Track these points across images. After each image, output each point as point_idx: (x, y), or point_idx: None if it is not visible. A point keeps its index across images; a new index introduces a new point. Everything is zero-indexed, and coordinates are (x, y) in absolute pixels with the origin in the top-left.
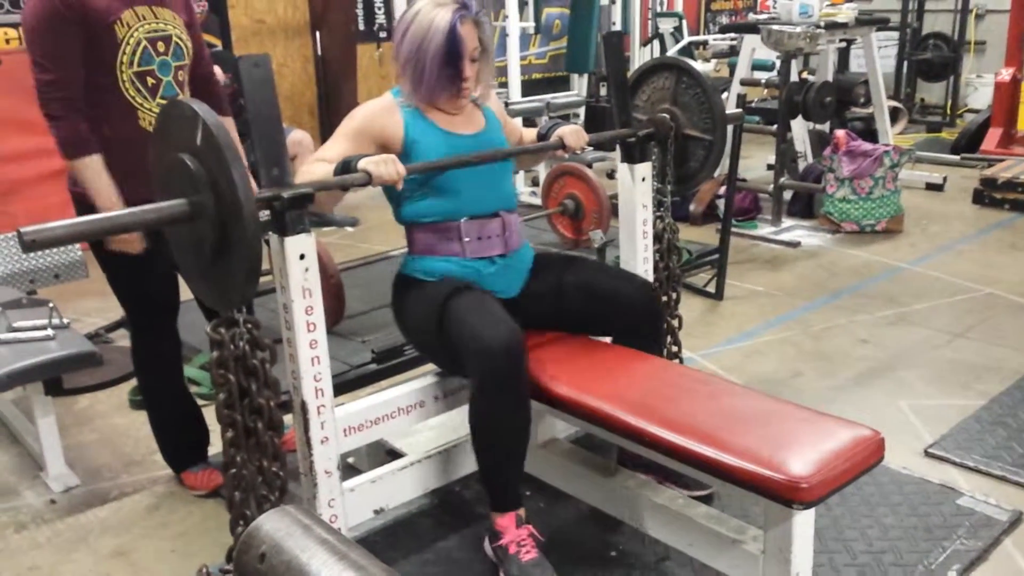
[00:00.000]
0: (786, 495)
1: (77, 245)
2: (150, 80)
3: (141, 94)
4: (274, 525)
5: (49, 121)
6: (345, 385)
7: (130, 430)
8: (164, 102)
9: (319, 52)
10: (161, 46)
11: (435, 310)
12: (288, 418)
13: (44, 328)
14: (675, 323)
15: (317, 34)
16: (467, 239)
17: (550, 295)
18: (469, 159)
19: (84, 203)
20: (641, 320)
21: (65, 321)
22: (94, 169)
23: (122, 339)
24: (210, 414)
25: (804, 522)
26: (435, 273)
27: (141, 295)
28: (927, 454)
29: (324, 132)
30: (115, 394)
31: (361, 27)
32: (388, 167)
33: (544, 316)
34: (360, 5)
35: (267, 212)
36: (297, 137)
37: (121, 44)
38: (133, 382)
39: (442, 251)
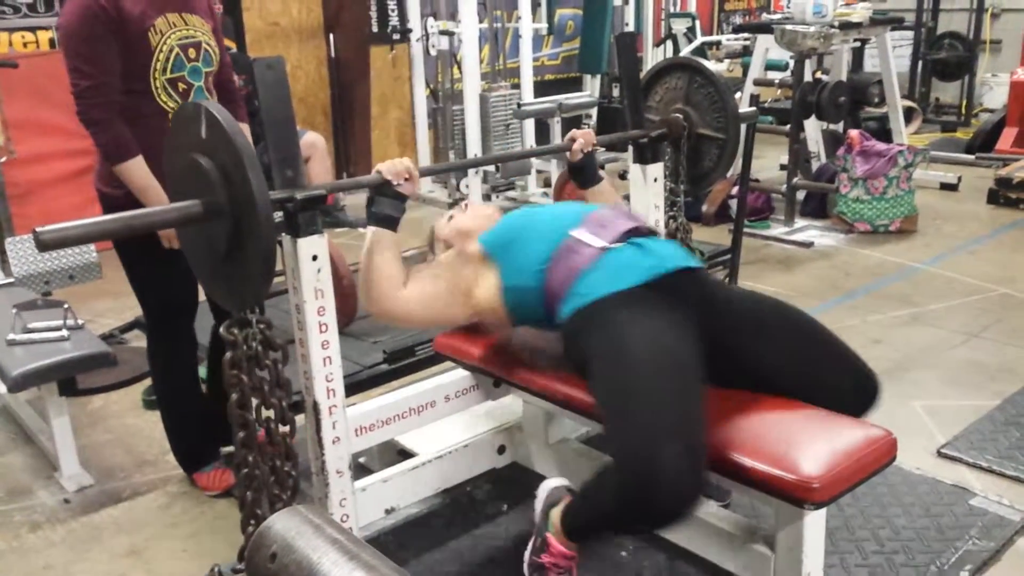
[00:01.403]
0: (797, 495)
1: (92, 246)
2: (181, 86)
3: (173, 99)
4: (285, 525)
5: (90, 127)
6: (357, 385)
7: (143, 430)
8: None
9: (333, 54)
10: (192, 52)
11: (612, 349)
12: (300, 418)
13: (59, 329)
14: None
15: (331, 36)
16: (589, 235)
17: (750, 363)
18: (477, 161)
19: (112, 203)
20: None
21: (80, 322)
22: (139, 170)
23: (136, 339)
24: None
25: (815, 522)
26: (593, 289)
27: (162, 294)
28: (940, 454)
29: (337, 134)
30: (129, 394)
31: (375, 29)
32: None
33: (719, 373)
34: (374, 7)
35: (280, 213)
36: (310, 139)
37: (155, 51)
38: (147, 382)
39: (579, 267)
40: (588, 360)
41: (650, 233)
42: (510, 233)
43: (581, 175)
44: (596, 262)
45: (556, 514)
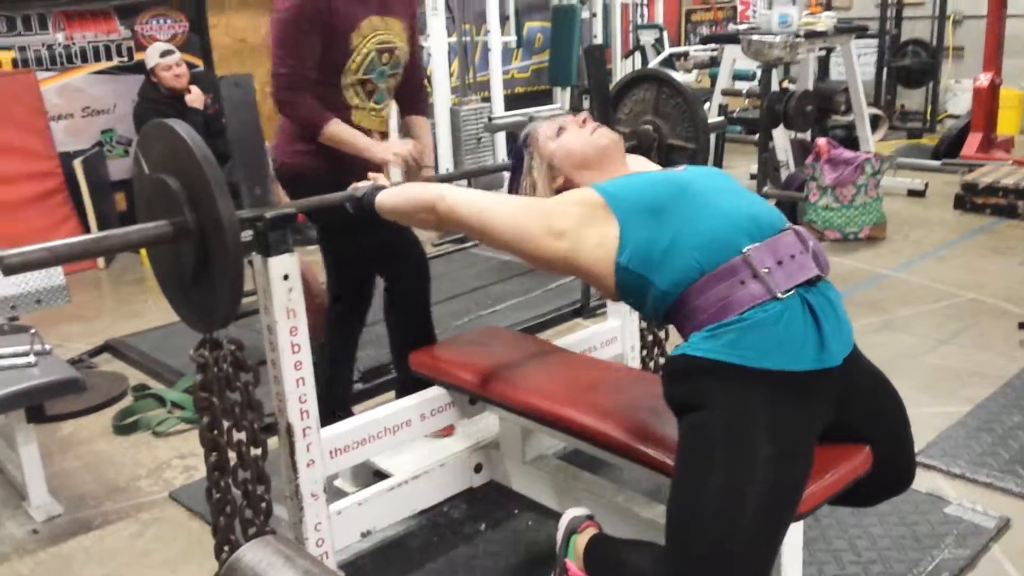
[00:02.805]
0: None
1: (59, 269)
2: (369, 86)
3: (359, 96)
4: (255, 556)
5: (283, 108)
6: None
7: (114, 456)
8: (377, 105)
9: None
10: (386, 57)
11: (737, 450)
12: (272, 441)
13: (26, 355)
14: (662, 335)
15: None
16: (763, 268)
17: (840, 432)
18: (449, 176)
19: (290, 171)
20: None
21: (47, 347)
22: (340, 129)
23: (105, 364)
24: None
25: (793, 534)
26: (748, 351)
27: (351, 260)
28: None
29: None
30: (99, 420)
31: None
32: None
33: None
34: None
35: (250, 232)
36: None
37: (353, 52)
38: (116, 407)
39: (740, 306)
40: (694, 424)
41: (825, 276)
42: (655, 199)
43: None
44: (763, 311)
45: (579, 543)
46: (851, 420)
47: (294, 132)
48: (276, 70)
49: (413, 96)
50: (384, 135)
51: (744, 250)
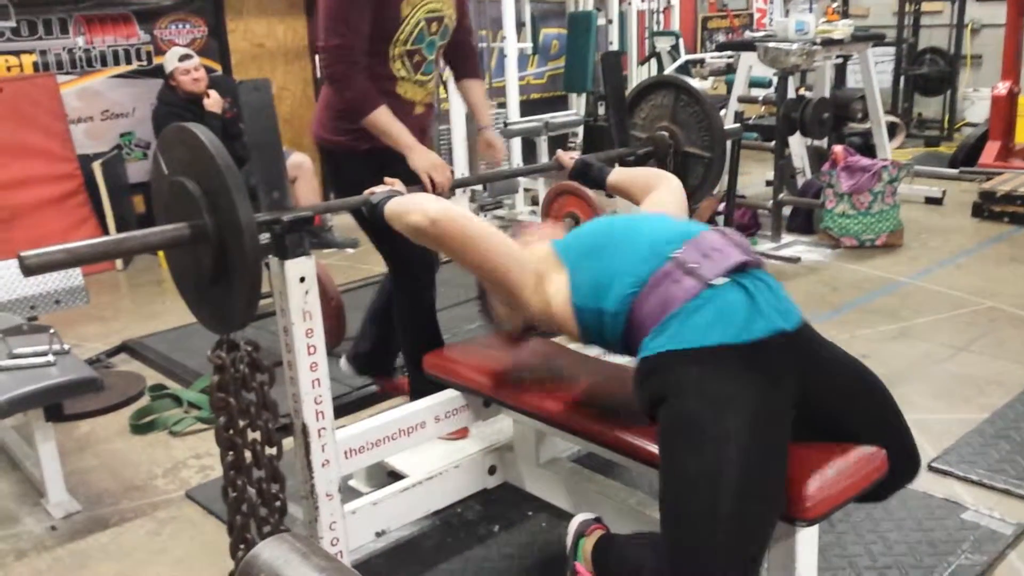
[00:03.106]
0: (789, 512)
1: (78, 270)
2: (416, 57)
3: (406, 67)
4: (272, 553)
5: (334, 85)
6: (346, 407)
7: (131, 455)
8: (424, 77)
9: (319, 75)
10: (434, 27)
11: (702, 430)
12: (288, 441)
13: (45, 354)
14: None
15: (316, 57)
16: (693, 264)
17: (823, 423)
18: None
19: (333, 149)
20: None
21: (66, 347)
22: (386, 118)
23: (122, 364)
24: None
25: (807, 539)
26: (693, 335)
27: (407, 252)
28: (931, 468)
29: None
30: (116, 419)
31: None
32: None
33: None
34: None
35: (267, 235)
36: (297, 160)
37: (403, 22)
38: (134, 407)
39: (678, 301)
40: (663, 418)
41: (757, 266)
42: (593, 241)
43: (587, 176)
44: (698, 299)
45: (587, 545)
46: (835, 412)
47: (341, 109)
48: (328, 41)
49: (466, 59)
50: (429, 107)
51: (672, 255)
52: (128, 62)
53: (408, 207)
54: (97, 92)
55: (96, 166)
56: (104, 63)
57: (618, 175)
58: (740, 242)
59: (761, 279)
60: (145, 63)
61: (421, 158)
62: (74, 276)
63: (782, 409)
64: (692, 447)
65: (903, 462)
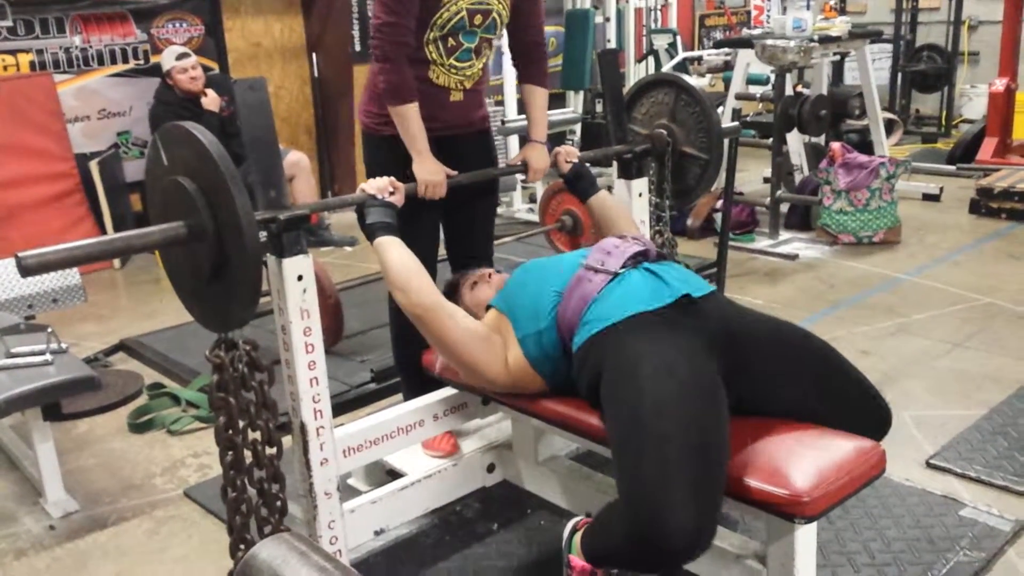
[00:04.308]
0: (788, 510)
1: (76, 270)
2: (451, 42)
3: (439, 51)
4: (271, 553)
5: (380, 63)
6: (344, 405)
7: (129, 454)
8: (459, 63)
9: (316, 74)
10: (479, 19)
11: (625, 382)
12: (286, 439)
13: (42, 353)
14: None
15: (314, 56)
16: (599, 263)
17: (767, 389)
18: (457, 179)
19: (372, 133)
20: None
21: (63, 346)
22: (411, 117)
23: (121, 363)
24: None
25: (806, 536)
26: (605, 315)
27: (408, 240)
28: (929, 465)
29: (321, 152)
30: (114, 418)
31: (357, 48)
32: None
33: (734, 397)
34: (356, 26)
35: (264, 233)
36: (294, 159)
37: (442, 7)
38: (132, 406)
39: (590, 295)
40: (600, 391)
41: (660, 258)
42: (519, 283)
43: (577, 185)
44: (607, 288)
45: (578, 537)
46: (776, 374)
47: (377, 90)
48: (383, 19)
49: (531, 63)
50: (474, 92)
51: (582, 263)
52: (125, 61)
53: (397, 280)
54: (94, 91)
55: (93, 165)
56: (101, 62)
57: (601, 200)
58: (636, 236)
59: (667, 265)
60: (142, 62)
61: (422, 168)
62: (71, 275)
63: (703, 356)
64: (625, 395)
65: (875, 411)
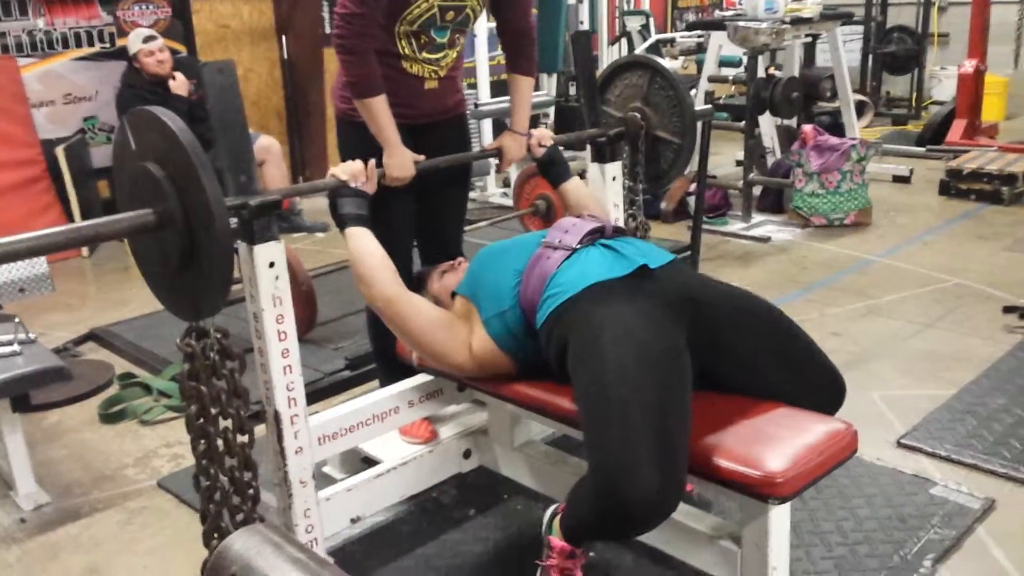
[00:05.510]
0: (761, 491)
1: (43, 258)
2: (423, 38)
3: (411, 46)
4: (244, 544)
5: (345, 55)
6: (319, 393)
7: (100, 445)
8: (432, 55)
9: (286, 56)
10: (450, 15)
11: (589, 351)
12: (260, 428)
13: (10, 344)
14: None
15: (283, 38)
16: (557, 240)
17: (726, 356)
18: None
19: (347, 119)
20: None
21: (32, 336)
22: (379, 109)
23: (90, 352)
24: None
25: (780, 517)
26: (565, 288)
27: (382, 227)
28: (900, 445)
29: (292, 137)
30: (85, 409)
31: (327, 30)
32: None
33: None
34: (326, 9)
35: (235, 220)
36: (264, 143)
37: (413, 3)
38: (102, 396)
39: (550, 271)
40: (566, 361)
41: (618, 233)
42: (480, 267)
43: (550, 170)
44: (565, 263)
45: (557, 520)
46: (734, 341)
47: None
48: (350, 9)
49: (519, 51)
50: (448, 79)
51: (541, 242)
52: (90, 44)
53: (361, 271)
54: (59, 75)
55: (59, 151)
56: (66, 45)
57: (573, 188)
58: (597, 217)
59: (626, 241)
60: (108, 45)
61: (391, 157)
62: (39, 264)
63: (664, 322)
64: (588, 363)
65: (830, 382)
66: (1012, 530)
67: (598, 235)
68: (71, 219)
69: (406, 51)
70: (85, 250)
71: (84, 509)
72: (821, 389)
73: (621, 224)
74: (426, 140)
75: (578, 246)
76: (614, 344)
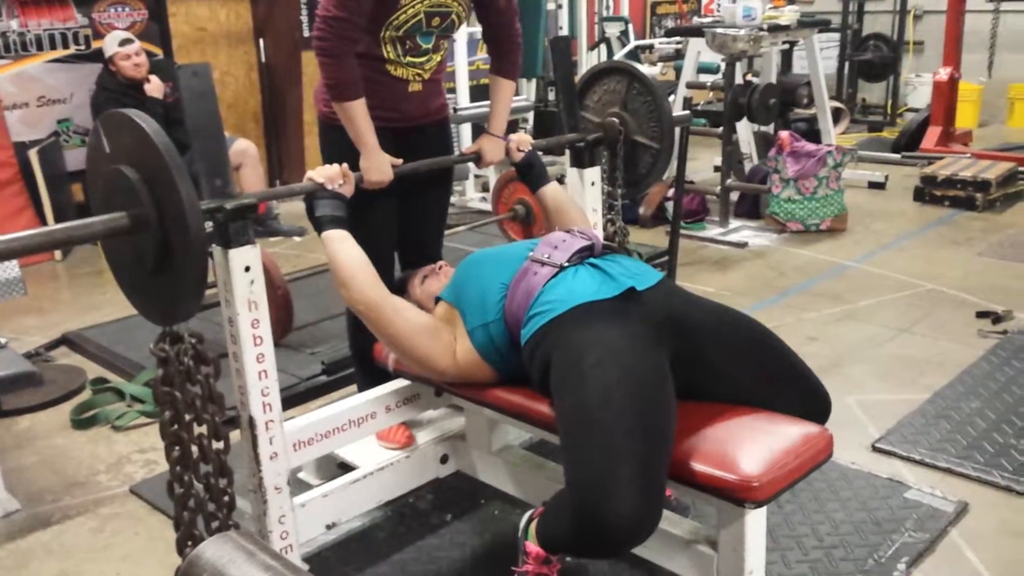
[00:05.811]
0: (738, 495)
1: (15, 262)
2: (409, 43)
3: (396, 51)
4: (216, 552)
5: (324, 57)
6: (294, 398)
7: (72, 451)
8: (417, 59)
9: (263, 59)
10: (436, 21)
11: (572, 371)
12: (235, 434)
13: None
14: None
15: (261, 41)
16: (545, 256)
17: (710, 375)
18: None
19: (330, 123)
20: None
21: (2, 341)
22: (357, 114)
23: (62, 357)
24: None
25: (756, 521)
26: (552, 307)
27: (364, 229)
28: (874, 448)
29: (269, 141)
30: (57, 414)
31: (305, 34)
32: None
33: (677, 382)
34: (304, 12)
35: (210, 224)
36: (241, 147)
37: (399, 9)
38: (75, 401)
39: (536, 287)
40: (549, 380)
41: (608, 250)
42: (466, 275)
43: (528, 175)
44: (552, 281)
45: (533, 525)
46: (720, 360)
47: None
48: (331, 12)
49: (503, 54)
50: (432, 81)
51: (528, 256)
52: (65, 46)
53: (340, 274)
54: (33, 77)
55: (32, 154)
56: (40, 47)
57: (551, 192)
58: (586, 233)
59: (614, 259)
60: (83, 47)
61: (369, 161)
62: (10, 267)
63: (649, 344)
64: (571, 385)
65: (815, 398)
66: (985, 533)
67: (587, 253)
68: (44, 222)
69: (391, 55)
70: (58, 254)
71: (55, 516)
72: (806, 406)
73: (600, 229)
74: (408, 145)
75: (566, 264)
76: (598, 367)
